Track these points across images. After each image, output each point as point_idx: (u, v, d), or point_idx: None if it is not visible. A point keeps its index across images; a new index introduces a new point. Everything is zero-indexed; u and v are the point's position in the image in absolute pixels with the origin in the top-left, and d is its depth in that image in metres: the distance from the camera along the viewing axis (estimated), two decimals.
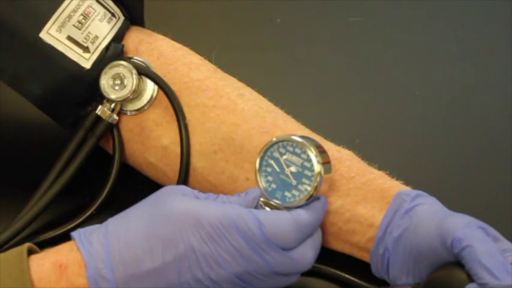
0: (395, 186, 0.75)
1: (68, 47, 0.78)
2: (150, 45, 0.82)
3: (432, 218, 0.69)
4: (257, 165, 0.73)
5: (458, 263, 0.66)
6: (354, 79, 0.97)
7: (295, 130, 0.79)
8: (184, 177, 0.79)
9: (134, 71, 0.79)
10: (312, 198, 0.71)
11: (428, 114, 0.94)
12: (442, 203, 0.73)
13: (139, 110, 0.80)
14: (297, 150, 0.72)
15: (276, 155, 0.72)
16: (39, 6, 0.78)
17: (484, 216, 0.70)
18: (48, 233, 0.79)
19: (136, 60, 0.81)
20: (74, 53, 0.78)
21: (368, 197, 0.74)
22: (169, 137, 0.79)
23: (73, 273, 0.67)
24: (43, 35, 0.77)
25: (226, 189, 0.78)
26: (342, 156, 0.77)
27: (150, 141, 0.80)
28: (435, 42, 1.00)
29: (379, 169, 0.78)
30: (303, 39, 1.01)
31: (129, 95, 0.79)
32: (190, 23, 1.01)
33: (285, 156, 0.72)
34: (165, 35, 0.84)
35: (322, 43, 1.00)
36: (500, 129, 0.92)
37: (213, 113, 0.79)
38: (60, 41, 0.78)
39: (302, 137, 0.72)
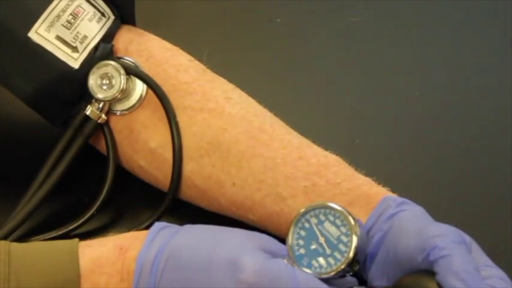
0: (382, 193, 0.74)
1: (56, 46, 0.78)
2: (140, 46, 0.81)
3: (413, 223, 0.69)
4: (292, 227, 0.70)
5: (428, 271, 0.65)
6: (353, 79, 0.96)
7: (283, 134, 0.78)
8: (177, 178, 0.78)
9: (122, 71, 0.78)
10: (340, 273, 0.68)
11: (428, 115, 0.93)
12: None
13: (129, 110, 0.80)
14: (337, 222, 0.69)
15: (314, 220, 0.69)
16: (29, 6, 0.77)
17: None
18: (48, 233, 0.78)
19: (127, 60, 0.80)
20: (62, 53, 0.78)
21: (354, 203, 0.73)
22: (156, 140, 0.79)
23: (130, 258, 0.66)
24: (32, 34, 0.77)
25: (214, 194, 0.77)
26: (329, 162, 0.76)
27: (139, 144, 0.80)
28: (435, 42, 0.99)
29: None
30: (303, 39, 1.00)
31: (116, 94, 0.79)
32: (189, 23, 1.00)
33: (322, 224, 0.69)
34: (163, 34, 0.84)
35: (322, 43, 1.00)
36: (500, 129, 0.91)
37: (200, 117, 0.78)
38: (49, 41, 0.78)
39: (345, 209, 0.69)
